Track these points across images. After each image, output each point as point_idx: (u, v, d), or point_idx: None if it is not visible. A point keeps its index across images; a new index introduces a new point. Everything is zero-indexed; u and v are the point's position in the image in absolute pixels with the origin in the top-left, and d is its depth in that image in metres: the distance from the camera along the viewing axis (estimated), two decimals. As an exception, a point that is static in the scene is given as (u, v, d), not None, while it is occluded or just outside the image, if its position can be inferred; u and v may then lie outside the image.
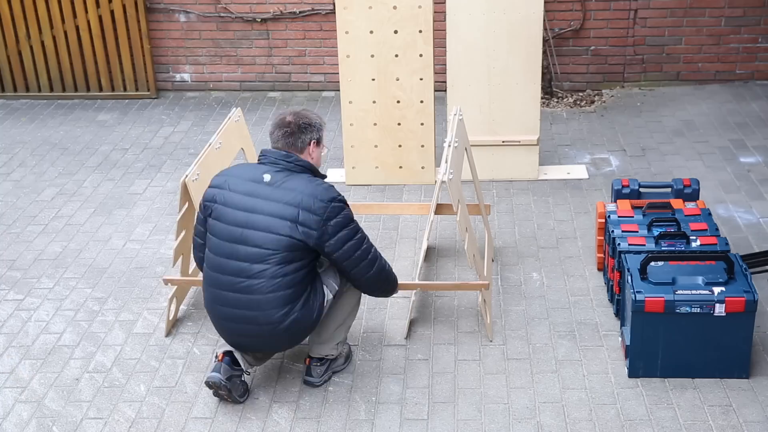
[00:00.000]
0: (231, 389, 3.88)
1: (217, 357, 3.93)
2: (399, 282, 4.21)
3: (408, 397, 3.99)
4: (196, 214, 4.04)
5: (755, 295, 3.87)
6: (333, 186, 3.82)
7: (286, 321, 3.76)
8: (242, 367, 3.93)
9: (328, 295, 3.91)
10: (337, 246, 3.75)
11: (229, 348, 3.94)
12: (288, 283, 3.74)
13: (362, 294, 4.14)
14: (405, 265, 5.08)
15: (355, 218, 3.84)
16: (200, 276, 4.61)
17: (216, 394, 3.93)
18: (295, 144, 3.85)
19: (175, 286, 4.52)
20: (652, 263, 4.07)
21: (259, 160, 3.91)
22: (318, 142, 3.93)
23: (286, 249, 3.70)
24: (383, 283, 4.02)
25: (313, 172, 3.87)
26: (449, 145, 4.29)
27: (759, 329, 4.29)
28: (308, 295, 3.82)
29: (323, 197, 3.71)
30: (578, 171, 6.19)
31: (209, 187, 3.94)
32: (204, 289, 3.94)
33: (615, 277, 4.41)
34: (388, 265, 4.02)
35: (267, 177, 3.78)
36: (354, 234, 3.80)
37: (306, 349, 4.14)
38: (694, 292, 3.91)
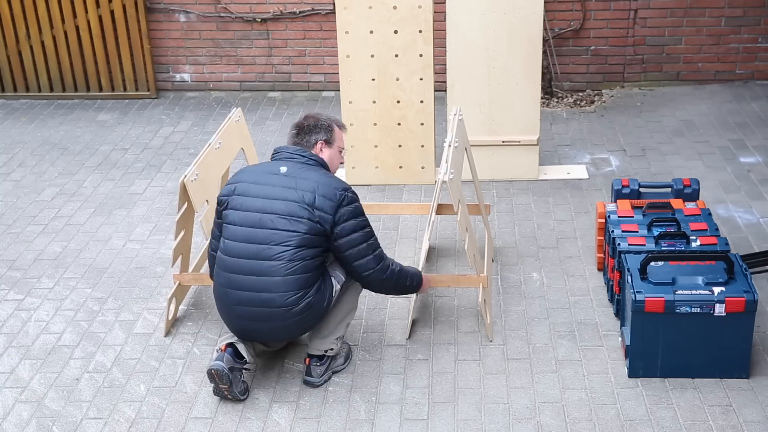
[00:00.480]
0: (232, 381, 3.89)
1: (219, 349, 3.95)
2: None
3: (408, 397, 3.99)
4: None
5: (755, 295, 3.87)
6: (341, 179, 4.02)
7: (301, 304, 3.84)
8: (245, 358, 3.95)
9: (336, 285, 4.00)
10: (343, 233, 3.89)
11: (231, 340, 3.97)
12: (305, 268, 3.85)
13: (362, 291, 4.18)
14: (405, 265, 5.07)
15: (365, 215, 3.99)
16: (207, 272, 4.62)
17: (216, 389, 3.94)
18: (301, 143, 4.05)
19: (175, 286, 4.52)
20: (652, 263, 4.06)
21: (273, 157, 4.06)
22: (327, 143, 4.09)
23: (304, 232, 3.84)
24: (390, 282, 4.09)
25: (325, 168, 4.05)
26: (449, 145, 4.29)
27: (759, 329, 4.29)
28: (321, 282, 3.93)
29: (337, 186, 3.92)
30: (578, 171, 6.19)
31: (228, 182, 4.08)
32: (216, 276, 4.00)
33: (615, 277, 4.41)
34: (399, 266, 4.11)
35: (283, 169, 3.97)
36: (362, 226, 3.94)
37: (306, 349, 4.14)
38: (694, 292, 3.91)
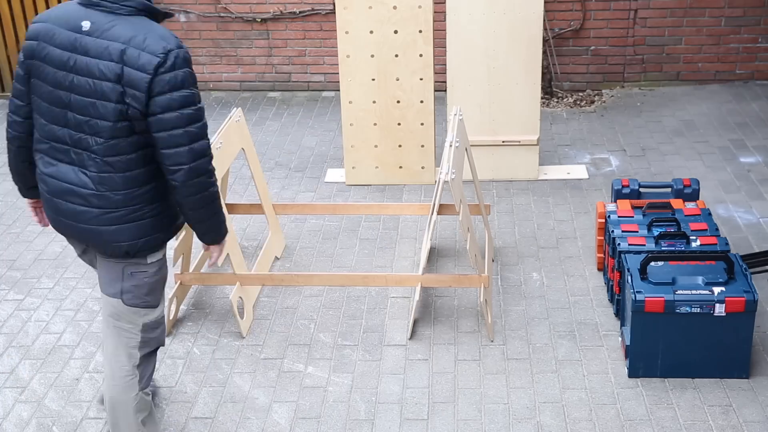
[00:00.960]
0: None
1: None
2: (403, 276, 4.21)
3: (408, 397, 3.99)
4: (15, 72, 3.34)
5: (755, 295, 3.87)
6: (173, 33, 3.06)
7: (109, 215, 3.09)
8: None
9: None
10: (156, 109, 2.96)
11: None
12: (126, 166, 3.05)
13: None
14: (405, 265, 5.08)
15: (197, 89, 3.09)
16: (209, 272, 4.62)
17: None
18: None
19: (176, 286, 4.52)
20: (652, 263, 4.07)
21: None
22: None
23: (115, 120, 2.98)
24: (199, 196, 3.12)
25: (150, 12, 3.07)
26: (450, 145, 4.29)
27: (759, 329, 4.29)
28: (157, 194, 3.15)
29: (156, 47, 2.93)
30: (578, 171, 6.19)
31: (26, 38, 3.16)
32: (34, 151, 3.24)
33: (615, 277, 4.41)
34: (217, 193, 3.20)
35: (86, 24, 3.01)
36: (183, 104, 3.00)
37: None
38: (694, 292, 3.91)
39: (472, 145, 5.36)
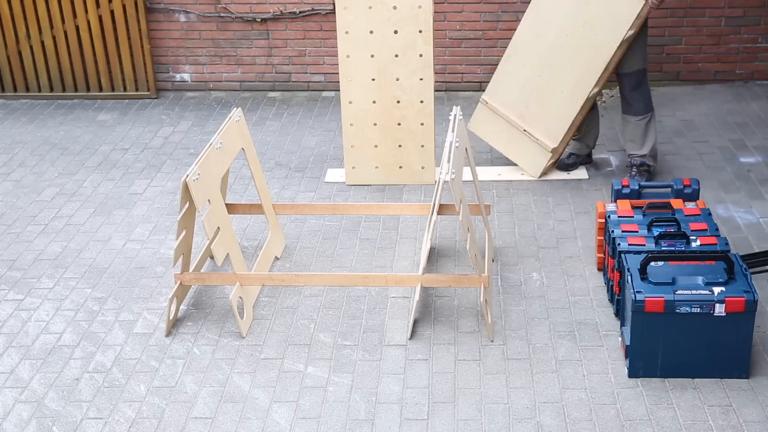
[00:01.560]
0: None
1: None
2: (403, 276, 4.24)
3: (408, 397, 3.99)
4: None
5: (755, 295, 3.87)
6: None
7: None
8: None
9: None
10: None
11: None
12: None
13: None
14: (405, 265, 5.08)
15: None
16: (209, 272, 4.62)
17: None
18: None
19: (176, 286, 4.52)
20: (652, 263, 4.07)
21: None
22: None
23: None
24: None
25: None
26: (451, 145, 4.29)
27: (759, 329, 4.29)
28: None
29: None
30: (578, 171, 6.19)
31: None
32: None
33: (615, 277, 4.41)
34: None
35: None
36: None
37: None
38: (694, 292, 3.91)
39: (498, 117, 5.29)
